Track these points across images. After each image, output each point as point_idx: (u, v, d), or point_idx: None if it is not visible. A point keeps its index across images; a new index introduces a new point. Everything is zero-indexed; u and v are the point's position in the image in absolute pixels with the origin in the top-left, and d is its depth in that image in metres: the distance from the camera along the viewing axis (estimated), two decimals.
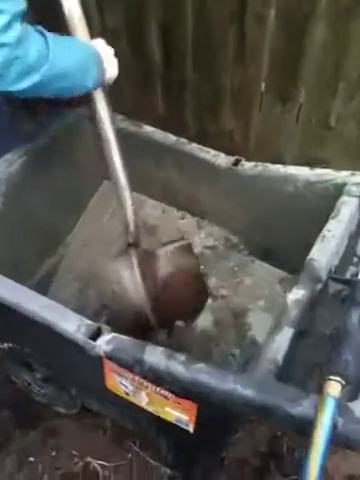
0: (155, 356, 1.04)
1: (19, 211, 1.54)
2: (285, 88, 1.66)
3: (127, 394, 1.24)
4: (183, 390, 1.04)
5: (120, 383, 1.22)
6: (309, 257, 1.20)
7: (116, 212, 1.78)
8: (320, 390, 0.89)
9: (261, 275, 1.71)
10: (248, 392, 0.94)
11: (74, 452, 1.61)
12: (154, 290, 1.39)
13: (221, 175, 1.59)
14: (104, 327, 1.14)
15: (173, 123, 2.06)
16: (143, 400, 1.21)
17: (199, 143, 2.08)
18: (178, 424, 1.21)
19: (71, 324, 1.14)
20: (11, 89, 0.96)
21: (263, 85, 1.70)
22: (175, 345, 1.37)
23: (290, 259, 1.62)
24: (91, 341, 1.11)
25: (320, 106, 1.66)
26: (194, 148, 1.61)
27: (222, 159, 1.58)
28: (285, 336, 1.02)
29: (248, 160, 2.11)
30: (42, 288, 1.63)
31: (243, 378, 0.96)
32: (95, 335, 1.12)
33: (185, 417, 1.17)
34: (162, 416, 1.22)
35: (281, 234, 1.60)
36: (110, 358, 1.10)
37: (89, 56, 1.12)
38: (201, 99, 1.91)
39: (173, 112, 2.03)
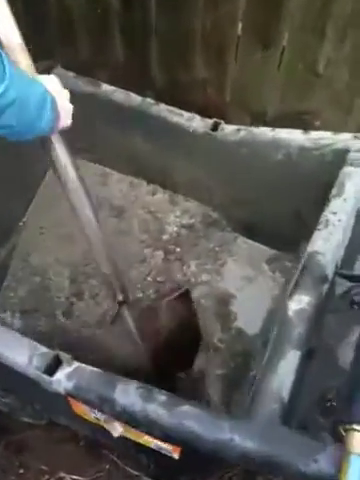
0: (129, 396, 0.83)
1: None
2: (265, 29, 1.46)
3: (98, 420, 1.03)
4: (165, 435, 0.84)
5: (90, 411, 1.00)
6: (311, 250, 0.97)
7: None
8: (341, 442, 0.70)
9: (246, 254, 1.48)
10: (248, 444, 0.74)
11: (44, 467, 1.42)
12: (155, 346, 1.26)
13: (197, 142, 1.32)
14: (64, 356, 0.91)
15: (136, 75, 1.80)
16: (117, 430, 1.01)
17: (167, 97, 1.84)
18: (160, 450, 1.02)
19: (20, 355, 0.91)
20: None
21: (240, 26, 1.51)
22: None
23: (278, 234, 1.41)
24: (47, 376, 0.88)
25: (306, 49, 1.48)
26: (163, 110, 1.34)
27: (198, 122, 1.31)
28: (290, 363, 0.81)
29: (224, 116, 1.88)
30: None
31: (241, 425, 0.76)
32: (52, 368, 0.89)
33: (168, 447, 0.98)
34: (141, 442, 1.03)
35: (268, 208, 1.38)
36: (72, 396, 0.88)
37: (44, 93, 0.84)
38: (168, 45, 1.68)
39: (136, 62, 1.80)
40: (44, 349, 0.92)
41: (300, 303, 0.88)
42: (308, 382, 0.83)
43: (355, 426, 0.69)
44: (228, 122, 1.84)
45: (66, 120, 0.95)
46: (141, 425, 0.83)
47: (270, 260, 1.47)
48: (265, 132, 1.25)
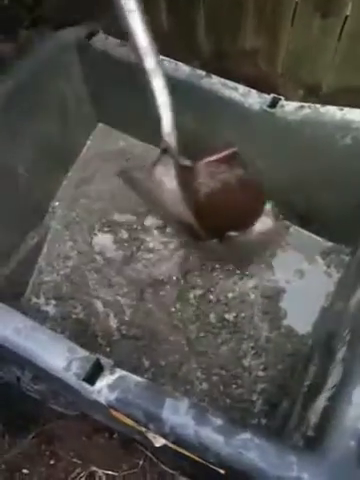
0: (179, 415, 0.73)
1: None
2: None
3: (139, 426, 0.94)
4: (219, 462, 0.74)
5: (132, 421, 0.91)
6: None
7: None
8: None
9: (299, 245, 1.36)
10: None
11: (75, 460, 1.36)
12: (197, 201, 1.16)
13: (253, 119, 1.18)
14: (105, 361, 0.81)
15: (181, 43, 1.67)
16: (159, 441, 0.92)
17: (214, 67, 1.71)
18: (204, 463, 0.93)
19: (58, 358, 0.81)
20: None
21: None
22: (226, 254, 1.26)
23: (336, 225, 1.28)
24: (87, 385, 0.78)
25: None
26: (216, 83, 1.19)
27: (254, 98, 1.17)
28: None
29: (275, 89, 1.75)
30: (19, 277, 1.30)
31: (312, 463, 0.65)
32: (93, 375, 0.80)
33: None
34: (185, 454, 0.93)
35: (329, 196, 1.24)
36: (114, 409, 0.79)
37: None
38: (216, 9, 1.56)
39: (181, 28, 1.66)
40: (84, 352, 0.82)
41: None
42: None
43: None
44: (278, 95, 1.71)
45: None
46: (193, 448, 0.74)
47: (325, 253, 1.34)
48: (332, 111, 1.10)
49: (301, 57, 1.64)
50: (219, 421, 0.70)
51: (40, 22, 1.91)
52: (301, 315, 1.27)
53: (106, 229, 1.38)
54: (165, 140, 1.07)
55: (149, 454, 1.36)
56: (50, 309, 1.29)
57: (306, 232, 1.36)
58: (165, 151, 1.09)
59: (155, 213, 1.39)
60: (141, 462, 1.36)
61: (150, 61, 0.99)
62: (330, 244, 1.34)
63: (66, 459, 1.36)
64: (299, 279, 1.32)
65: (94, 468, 1.35)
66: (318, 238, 1.35)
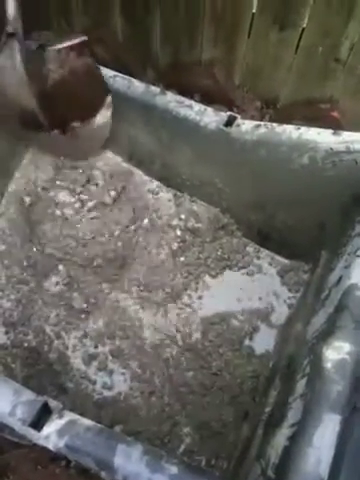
0: (132, 462, 0.69)
1: None
2: (284, 8, 1.36)
3: None
4: None
5: None
6: (350, 282, 0.82)
7: None
8: None
9: (258, 264, 1.33)
10: None
11: None
12: (42, 89, 1.18)
13: (209, 138, 1.15)
14: (53, 404, 0.76)
15: (137, 54, 1.63)
16: None
17: (170, 78, 1.68)
18: None
19: (1, 401, 0.76)
20: None
21: (255, 3, 1.39)
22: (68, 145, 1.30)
23: (295, 243, 1.27)
24: (34, 431, 0.73)
25: (328, 32, 1.37)
26: (171, 101, 1.15)
27: (210, 117, 1.14)
28: (329, 431, 0.67)
29: (232, 100, 1.74)
30: None
31: None
32: (40, 420, 0.75)
33: None
34: None
35: (288, 216, 1.23)
36: (64, 455, 0.74)
37: None
38: (173, 19, 1.51)
39: (136, 38, 1.61)
40: (30, 395, 0.77)
41: (339, 352, 0.73)
42: (351, 450, 0.69)
43: None
44: (235, 107, 1.69)
45: None
46: None
47: (284, 271, 1.32)
48: (289, 131, 1.08)
49: (258, 69, 1.63)
50: (174, 469, 0.67)
51: None
52: (261, 336, 1.25)
53: None
54: (11, 24, 1.07)
55: None
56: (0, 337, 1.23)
57: (265, 250, 1.34)
58: (11, 35, 1.08)
59: None
60: None
61: None
62: (289, 262, 1.33)
63: None
64: (258, 299, 1.29)
65: None
66: (276, 256, 1.33)
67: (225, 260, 1.32)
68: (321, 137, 1.06)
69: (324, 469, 0.64)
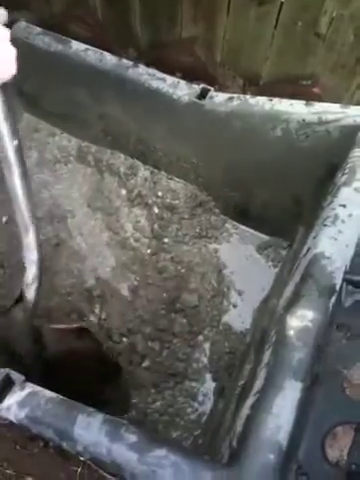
0: (92, 432, 0.68)
1: None
2: None
3: None
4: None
5: None
6: (315, 251, 0.81)
7: None
8: None
9: (236, 240, 1.33)
10: None
11: (10, 471, 1.28)
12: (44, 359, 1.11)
13: (182, 111, 1.13)
14: (16, 376, 0.75)
15: (116, 33, 1.59)
16: None
17: (151, 57, 1.65)
18: None
19: None
20: None
21: None
22: None
23: (272, 219, 1.26)
24: None
25: (307, 6, 1.34)
26: (143, 74, 1.13)
27: (183, 89, 1.12)
28: (289, 398, 0.66)
29: (213, 78, 1.71)
30: None
31: (229, 477, 0.62)
32: (2, 391, 0.74)
33: None
34: None
35: (263, 190, 1.21)
36: (25, 428, 0.73)
37: None
38: None
39: (116, 18, 1.58)
40: None
41: (302, 320, 0.72)
42: (312, 419, 0.68)
43: None
44: (217, 84, 1.67)
45: (7, 71, 0.70)
46: (107, 467, 0.69)
47: (262, 247, 1.31)
48: (261, 102, 1.07)
49: (239, 46, 1.60)
50: (133, 437, 0.66)
51: None
52: (239, 312, 1.24)
53: None
54: (24, 291, 0.96)
55: (87, 460, 1.31)
56: None
57: (243, 227, 1.33)
58: (19, 300, 0.99)
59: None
60: (79, 469, 1.30)
61: (25, 215, 0.85)
62: (268, 238, 1.32)
63: (0, 471, 1.30)
64: (235, 274, 1.28)
65: (30, 479, 1.29)
66: (255, 232, 1.33)
67: (204, 237, 1.31)
68: (293, 108, 1.04)
69: (283, 436, 0.63)
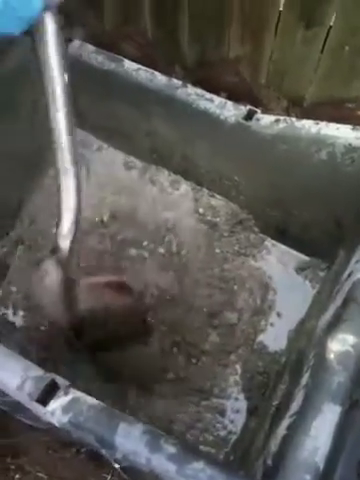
0: (131, 441, 0.70)
1: None
2: (311, 5, 1.34)
3: None
4: None
5: None
6: (359, 275, 0.81)
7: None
8: None
9: (275, 259, 1.33)
10: None
11: (42, 475, 1.32)
12: (73, 319, 1.08)
13: (228, 131, 1.16)
14: (61, 381, 0.78)
15: (164, 50, 1.65)
16: None
17: (197, 75, 1.69)
18: None
19: (12, 376, 0.79)
20: None
21: (282, 1, 1.39)
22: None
23: (313, 240, 1.26)
24: (40, 406, 0.76)
25: (356, 30, 1.35)
26: (191, 94, 1.17)
27: (230, 110, 1.14)
28: (328, 422, 0.67)
29: (257, 99, 1.73)
30: None
31: None
32: (47, 395, 0.77)
33: None
34: None
35: (305, 212, 1.22)
36: (67, 432, 0.76)
37: None
38: (200, 17, 1.53)
39: (165, 37, 1.62)
40: (39, 371, 0.80)
41: (344, 344, 0.73)
42: (349, 443, 0.69)
43: None
44: (262, 105, 1.69)
45: None
46: (145, 477, 0.71)
47: (301, 267, 1.31)
48: (308, 126, 1.08)
49: (284, 67, 1.62)
50: (172, 449, 0.68)
51: None
52: (276, 332, 1.24)
53: None
54: (58, 242, 0.90)
55: (117, 468, 1.33)
56: (18, 320, 1.26)
57: (283, 246, 1.34)
58: (55, 251, 0.93)
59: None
60: (109, 477, 1.32)
61: (66, 157, 0.81)
62: (307, 258, 1.32)
63: (32, 473, 1.33)
64: (274, 294, 1.29)
65: None
66: (294, 252, 1.33)
67: (242, 255, 1.32)
68: (340, 132, 1.05)
69: (320, 459, 0.64)
